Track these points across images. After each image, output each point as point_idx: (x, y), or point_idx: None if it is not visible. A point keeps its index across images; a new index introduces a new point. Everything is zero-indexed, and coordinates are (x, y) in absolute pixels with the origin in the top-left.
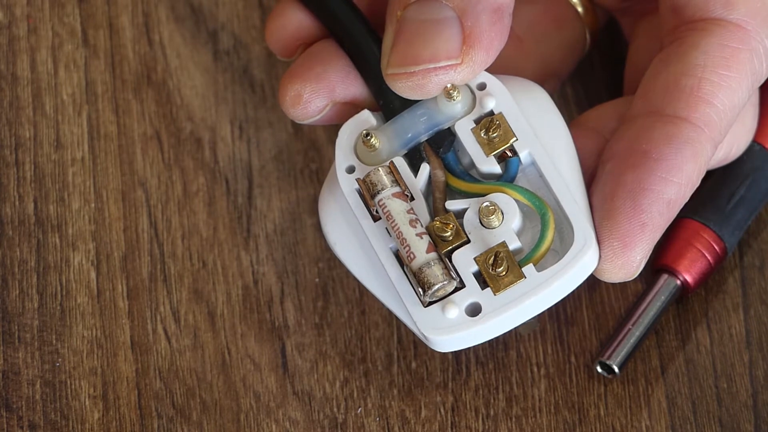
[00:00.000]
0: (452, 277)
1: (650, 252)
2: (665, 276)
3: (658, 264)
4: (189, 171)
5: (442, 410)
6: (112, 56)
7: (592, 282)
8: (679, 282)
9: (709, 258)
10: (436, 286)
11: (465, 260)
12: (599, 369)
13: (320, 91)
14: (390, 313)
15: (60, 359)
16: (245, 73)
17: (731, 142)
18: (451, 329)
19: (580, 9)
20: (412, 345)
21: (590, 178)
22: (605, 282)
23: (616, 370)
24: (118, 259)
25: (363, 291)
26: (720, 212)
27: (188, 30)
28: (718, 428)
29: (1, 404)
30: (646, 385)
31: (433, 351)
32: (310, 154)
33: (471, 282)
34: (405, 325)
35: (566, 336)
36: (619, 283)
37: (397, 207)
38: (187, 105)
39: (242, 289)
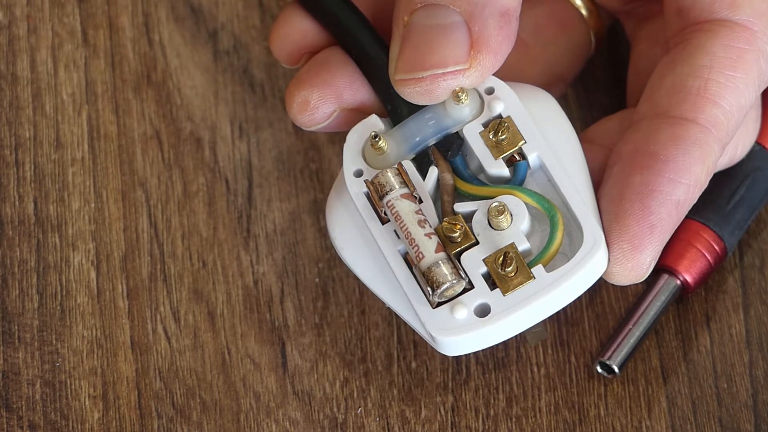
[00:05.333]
0: (461, 277)
1: (659, 254)
2: (665, 276)
3: (658, 264)
4: (189, 171)
5: (442, 410)
6: (112, 56)
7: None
8: (679, 282)
9: (709, 258)
10: (445, 285)
11: (474, 261)
12: (599, 369)
13: (328, 97)
14: (390, 313)
15: (60, 359)
16: (245, 73)
17: (735, 144)
18: (460, 330)
19: (584, 12)
20: (412, 345)
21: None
22: (605, 282)
23: (616, 370)
24: (118, 259)
25: (363, 291)
26: (720, 212)
27: (188, 30)
28: (718, 428)
29: (1, 404)
30: (646, 385)
31: (433, 351)
32: (310, 154)
33: (480, 283)
34: (405, 325)
35: (566, 336)
36: None
37: (405, 207)
38: (187, 105)
39: (242, 289)
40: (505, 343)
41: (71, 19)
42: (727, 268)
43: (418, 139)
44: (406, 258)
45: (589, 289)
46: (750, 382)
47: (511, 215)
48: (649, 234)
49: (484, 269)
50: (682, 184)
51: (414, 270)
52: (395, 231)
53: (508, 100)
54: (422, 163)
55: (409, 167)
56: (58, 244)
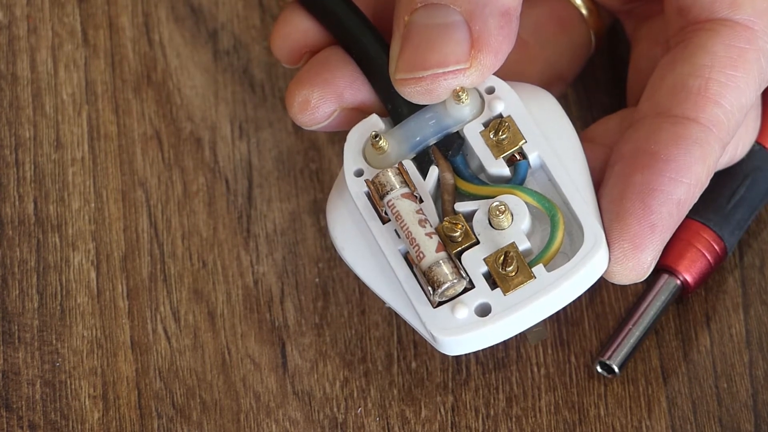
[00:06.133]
0: (462, 276)
1: (660, 253)
2: (665, 276)
3: (658, 264)
4: (189, 171)
5: (442, 410)
6: (112, 56)
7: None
8: (679, 282)
9: (709, 258)
10: (446, 285)
11: (474, 261)
12: (599, 369)
13: (328, 96)
14: (390, 313)
15: (60, 359)
16: (245, 73)
17: (735, 143)
18: (461, 329)
19: (584, 11)
20: (412, 345)
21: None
22: (605, 282)
23: (616, 370)
24: (118, 259)
25: (363, 291)
26: (720, 212)
27: (188, 30)
28: (718, 428)
29: (1, 404)
30: (646, 385)
31: (433, 351)
32: (310, 154)
33: (481, 282)
34: (405, 325)
35: (566, 336)
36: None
37: (406, 207)
38: (187, 105)
39: (242, 289)
40: (505, 343)
41: (71, 19)
42: (727, 268)
43: (418, 138)
44: (407, 257)
45: (589, 289)
46: (750, 382)
47: (512, 215)
48: (650, 233)
49: (484, 269)
50: (683, 184)
51: (415, 269)
52: (396, 230)
53: (509, 100)
54: (423, 162)
55: (410, 167)
56: (58, 244)
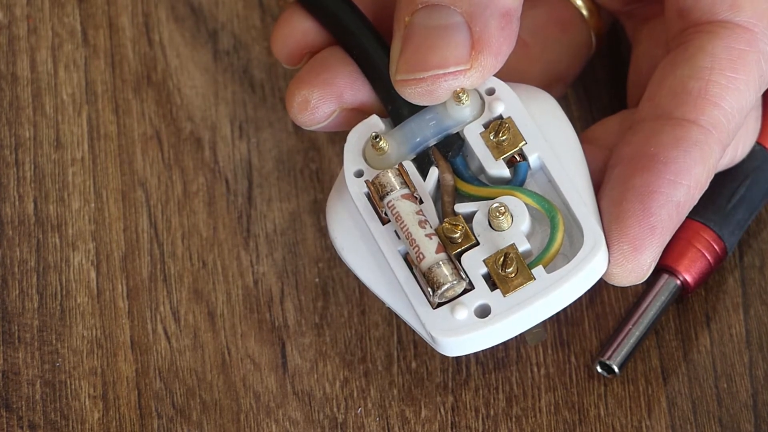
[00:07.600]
0: (462, 278)
1: (659, 255)
2: (665, 276)
3: (658, 264)
4: (189, 171)
5: (442, 410)
6: (112, 56)
7: None
8: (679, 282)
9: (709, 258)
10: (446, 286)
11: (474, 262)
12: (599, 369)
13: (328, 96)
14: (390, 313)
15: (60, 359)
16: (245, 73)
17: (736, 145)
18: (460, 330)
19: (585, 12)
20: (412, 345)
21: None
22: (605, 282)
23: (616, 370)
24: (118, 259)
25: (363, 291)
26: (720, 212)
27: (188, 30)
28: (718, 428)
29: (1, 404)
30: (646, 385)
31: (433, 351)
32: (310, 154)
33: (480, 284)
34: (405, 325)
35: (566, 336)
36: None
37: (406, 208)
38: (187, 105)
39: (242, 289)
40: (505, 343)
41: (71, 19)
42: (727, 268)
43: (418, 139)
44: (407, 258)
45: (589, 290)
46: (750, 382)
47: (512, 216)
48: (649, 235)
49: (484, 270)
50: (682, 186)
51: (414, 270)
52: (396, 231)
53: (509, 101)
54: (423, 163)
55: (410, 168)
56: (58, 244)
